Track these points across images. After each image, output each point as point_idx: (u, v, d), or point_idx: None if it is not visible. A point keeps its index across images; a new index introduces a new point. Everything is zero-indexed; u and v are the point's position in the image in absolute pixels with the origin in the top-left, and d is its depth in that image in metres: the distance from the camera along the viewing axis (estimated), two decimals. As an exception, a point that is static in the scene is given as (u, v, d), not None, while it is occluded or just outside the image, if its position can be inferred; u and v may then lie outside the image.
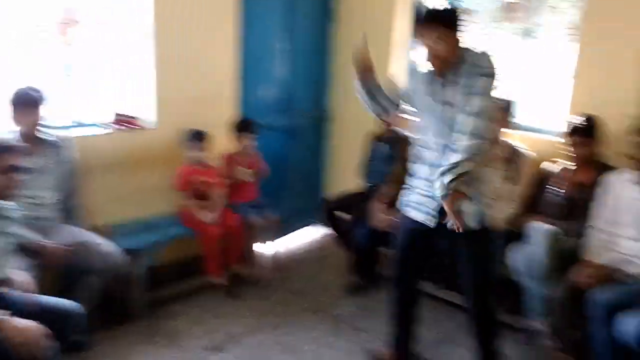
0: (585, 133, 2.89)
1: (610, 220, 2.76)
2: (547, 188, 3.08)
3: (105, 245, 2.80)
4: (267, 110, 4.13)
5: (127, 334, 3.00)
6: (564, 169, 3.00)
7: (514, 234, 3.14)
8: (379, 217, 3.42)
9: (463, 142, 2.21)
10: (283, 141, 4.32)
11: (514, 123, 3.34)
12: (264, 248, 3.83)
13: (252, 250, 3.66)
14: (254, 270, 3.68)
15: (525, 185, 3.18)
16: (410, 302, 2.73)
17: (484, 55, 2.27)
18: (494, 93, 2.27)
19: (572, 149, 2.93)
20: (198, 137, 3.42)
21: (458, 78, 2.28)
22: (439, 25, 2.25)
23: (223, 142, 3.64)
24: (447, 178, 2.23)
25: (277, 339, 3.05)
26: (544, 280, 2.75)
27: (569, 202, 2.95)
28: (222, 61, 3.74)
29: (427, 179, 2.42)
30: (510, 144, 3.26)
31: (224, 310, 3.33)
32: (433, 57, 2.30)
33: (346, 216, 3.76)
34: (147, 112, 3.44)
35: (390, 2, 4.07)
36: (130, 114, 3.39)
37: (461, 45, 2.32)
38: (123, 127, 3.32)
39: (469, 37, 2.77)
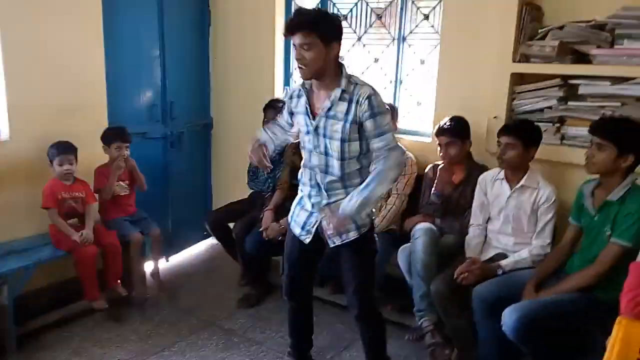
0: (452, 133, 3.03)
1: (486, 217, 2.93)
2: (425, 188, 3.21)
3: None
4: (142, 119, 3.91)
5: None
6: (437, 169, 3.13)
7: (401, 234, 3.26)
8: (268, 225, 3.37)
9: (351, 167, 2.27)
10: (163, 150, 4.13)
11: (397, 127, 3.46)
12: (148, 265, 3.62)
13: (135, 269, 3.44)
14: (138, 290, 3.47)
15: (408, 185, 3.28)
16: (302, 311, 2.73)
17: (372, 95, 2.18)
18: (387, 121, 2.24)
19: (441, 149, 3.07)
20: (64, 149, 3.15)
21: (334, 104, 2.22)
22: (310, 31, 2.12)
23: (93, 153, 3.38)
24: (366, 208, 2.21)
25: (164, 361, 2.90)
26: (424, 277, 2.84)
27: (442, 201, 3.09)
28: (89, 66, 3.45)
29: (308, 195, 2.41)
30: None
31: (106, 336, 3.11)
32: (301, 67, 2.20)
33: (234, 225, 3.67)
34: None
35: (269, 2, 4.02)
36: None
37: (340, 61, 2.24)
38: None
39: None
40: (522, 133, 2.74)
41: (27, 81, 3.15)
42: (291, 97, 2.42)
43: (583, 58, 2.85)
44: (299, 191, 2.52)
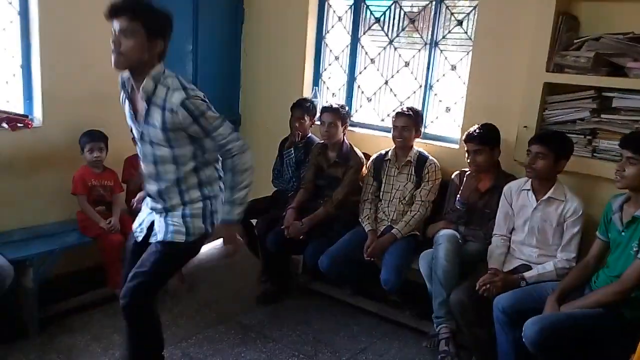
0: (480, 141, 2.99)
1: (510, 227, 2.90)
2: (450, 194, 3.19)
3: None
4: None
5: (17, 353, 2.78)
6: (463, 176, 3.11)
7: (423, 239, 3.24)
8: (290, 223, 3.38)
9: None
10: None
11: (423, 132, 3.44)
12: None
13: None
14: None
15: (432, 192, 3.27)
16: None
17: (186, 99, 2.02)
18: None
19: (469, 156, 3.04)
20: (94, 137, 3.21)
21: (151, 99, 2.06)
22: (131, 18, 1.96)
23: (123, 144, 3.43)
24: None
25: (181, 352, 2.92)
26: (445, 284, 2.82)
27: (468, 208, 3.06)
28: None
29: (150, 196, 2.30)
30: (417, 152, 3.34)
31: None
32: (115, 52, 2.00)
33: (256, 222, 3.69)
34: (28, 107, 3.22)
35: (303, 2, 4.04)
36: (16, 112, 3.12)
37: (159, 58, 2.08)
38: (4, 126, 3.02)
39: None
40: (554, 144, 2.70)
41: (61, 71, 3.23)
42: (123, 86, 2.23)
43: (618, 71, 2.80)
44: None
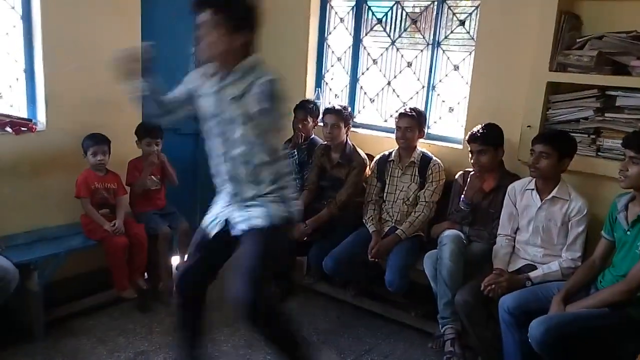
0: (484, 141, 2.98)
1: (515, 227, 2.89)
2: (454, 195, 3.19)
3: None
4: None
5: (23, 356, 2.78)
6: (467, 176, 3.10)
7: (427, 240, 3.24)
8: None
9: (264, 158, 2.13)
10: (194, 147, 4.18)
11: (426, 132, 3.44)
12: (175, 259, 3.67)
13: (163, 262, 3.48)
14: (164, 283, 3.51)
15: (436, 192, 3.26)
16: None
17: (270, 83, 2.03)
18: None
19: (473, 157, 3.03)
20: (97, 140, 3.22)
21: (236, 87, 2.08)
22: (212, 12, 1.98)
23: (127, 147, 3.45)
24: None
25: (187, 354, 2.92)
26: (450, 285, 2.82)
27: (472, 209, 3.05)
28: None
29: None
30: (421, 153, 3.34)
31: (131, 327, 3.16)
32: (201, 49, 2.06)
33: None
34: (32, 111, 3.22)
35: (305, 3, 4.04)
36: (20, 116, 3.14)
37: (249, 50, 2.10)
38: (8, 130, 3.04)
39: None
40: (558, 143, 2.70)
41: (64, 75, 3.22)
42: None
43: (622, 69, 2.79)
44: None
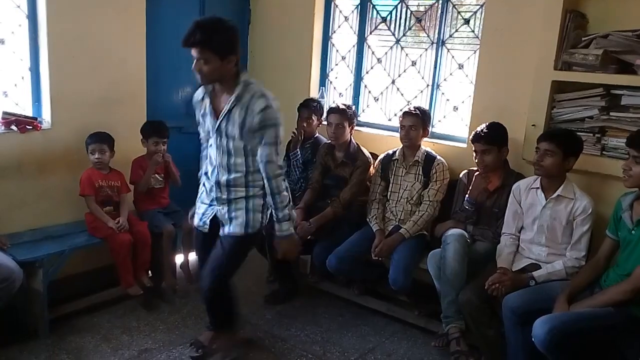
0: (488, 140, 2.97)
1: (519, 226, 2.88)
2: (458, 194, 3.18)
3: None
4: (180, 113, 3.97)
5: (27, 354, 2.80)
6: (471, 175, 3.09)
7: (431, 239, 3.23)
8: (298, 223, 3.38)
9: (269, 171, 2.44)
10: (199, 145, 4.16)
11: (430, 131, 3.43)
12: (178, 257, 3.68)
13: (166, 260, 3.49)
14: (168, 281, 3.52)
15: (440, 192, 3.26)
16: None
17: (265, 108, 2.36)
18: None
19: (477, 156, 3.02)
20: (97, 138, 3.22)
21: (232, 109, 2.40)
22: (204, 47, 2.29)
23: (131, 145, 3.46)
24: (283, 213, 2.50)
25: (190, 353, 2.92)
26: (453, 284, 2.81)
27: (476, 208, 3.04)
28: (131, 60, 3.54)
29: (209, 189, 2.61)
30: (425, 152, 3.33)
31: (135, 324, 3.17)
32: (199, 74, 2.37)
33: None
34: (37, 110, 3.24)
35: (309, 2, 4.04)
36: (25, 114, 3.15)
37: (237, 65, 2.40)
38: (13, 129, 3.05)
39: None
40: (563, 141, 2.69)
41: (70, 73, 3.24)
42: (195, 104, 2.62)
43: (627, 68, 2.78)
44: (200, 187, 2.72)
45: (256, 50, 4.39)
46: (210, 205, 2.61)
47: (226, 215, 2.54)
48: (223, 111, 2.43)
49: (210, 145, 2.56)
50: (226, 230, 2.55)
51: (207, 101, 2.52)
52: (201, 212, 2.66)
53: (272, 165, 2.43)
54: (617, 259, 2.52)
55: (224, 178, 2.51)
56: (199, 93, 2.59)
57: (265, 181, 2.47)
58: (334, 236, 3.38)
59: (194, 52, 2.31)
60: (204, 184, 2.67)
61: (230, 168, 2.49)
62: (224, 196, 2.53)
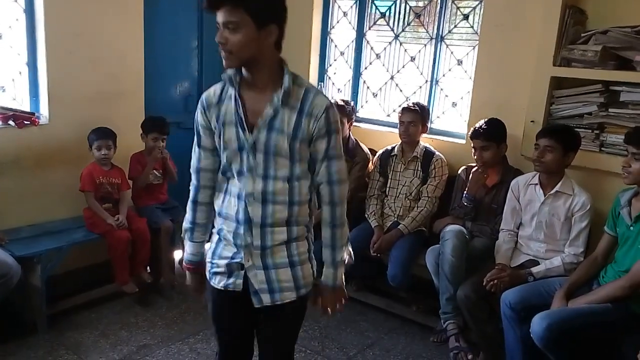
0: (487, 137, 2.98)
1: (518, 222, 2.89)
2: (457, 190, 3.18)
3: (-2, 254, 2.58)
4: (178, 109, 3.97)
5: (26, 349, 2.79)
6: (470, 171, 3.10)
7: (429, 235, 3.24)
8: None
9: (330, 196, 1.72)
10: (197, 141, 4.16)
11: (429, 127, 3.43)
12: (177, 253, 3.68)
13: (164, 256, 3.49)
14: (166, 277, 3.52)
15: (439, 188, 3.26)
16: None
17: (330, 107, 1.66)
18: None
19: (476, 152, 3.02)
20: (103, 134, 3.21)
21: (278, 111, 1.64)
22: (235, 7, 1.56)
23: (129, 141, 3.44)
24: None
25: (189, 348, 2.93)
26: (452, 280, 2.82)
27: (475, 204, 3.05)
28: (129, 56, 3.53)
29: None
30: (424, 148, 3.33)
31: (133, 320, 3.17)
32: (224, 51, 1.65)
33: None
34: (35, 105, 3.23)
35: (308, -1, 4.01)
36: (23, 109, 3.14)
37: (276, 47, 1.68)
38: (10, 124, 3.04)
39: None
40: (563, 137, 2.69)
41: (68, 68, 3.23)
42: (208, 108, 1.74)
43: (626, 64, 2.78)
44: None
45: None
46: (237, 251, 1.74)
47: (263, 276, 1.72)
48: (264, 115, 1.64)
49: (233, 176, 1.72)
50: (268, 298, 1.74)
51: (230, 102, 1.69)
52: (225, 254, 1.77)
53: (343, 186, 1.72)
54: (615, 255, 2.52)
55: (258, 213, 1.68)
56: (214, 92, 1.75)
57: (326, 208, 1.73)
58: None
59: (219, 16, 1.60)
60: (218, 232, 1.81)
61: (267, 198, 1.67)
62: (257, 242, 1.70)
